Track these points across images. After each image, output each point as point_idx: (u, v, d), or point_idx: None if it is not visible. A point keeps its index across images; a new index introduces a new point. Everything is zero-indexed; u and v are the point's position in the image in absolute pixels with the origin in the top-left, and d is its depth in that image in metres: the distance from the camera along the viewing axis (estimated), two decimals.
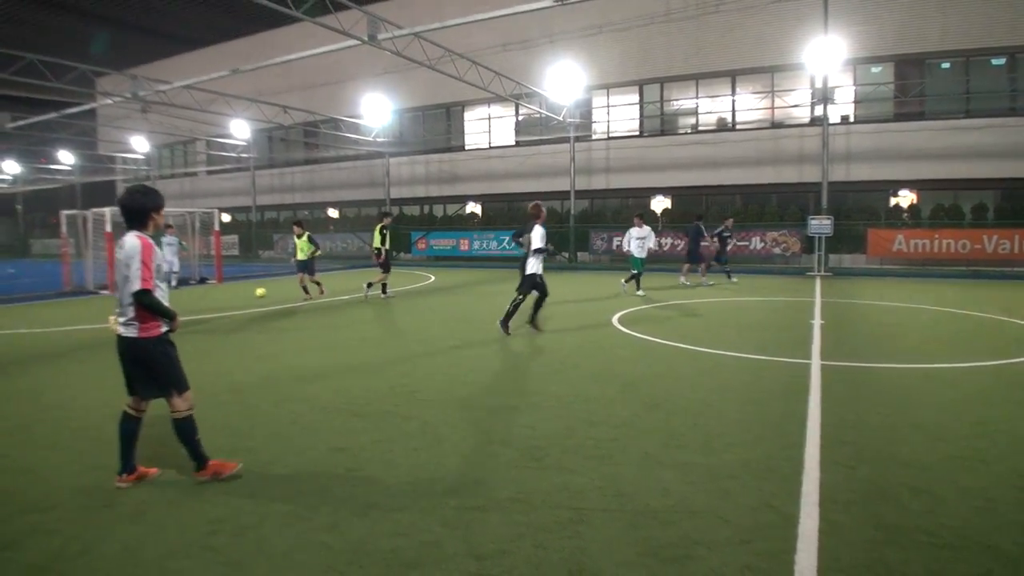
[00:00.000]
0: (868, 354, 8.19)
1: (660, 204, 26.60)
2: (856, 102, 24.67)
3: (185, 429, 4.21)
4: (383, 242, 14.65)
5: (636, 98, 27.85)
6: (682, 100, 27.55)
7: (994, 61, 23.16)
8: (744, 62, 25.05)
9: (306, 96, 32.85)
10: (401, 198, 33.04)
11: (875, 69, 24.41)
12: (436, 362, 7.97)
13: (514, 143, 30.29)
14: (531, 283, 9.59)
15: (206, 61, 34.09)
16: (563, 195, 27.46)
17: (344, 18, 16.99)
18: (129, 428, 4.22)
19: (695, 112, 27.28)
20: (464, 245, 27.76)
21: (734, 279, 17.86)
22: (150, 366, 4.10)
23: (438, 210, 32.92)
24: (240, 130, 30.76)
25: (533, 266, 9.55)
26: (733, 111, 26.44)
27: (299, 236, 15.14)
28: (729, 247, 18.48)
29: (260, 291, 14.65)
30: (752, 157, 25.15)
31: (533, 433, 5.10)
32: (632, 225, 15.68)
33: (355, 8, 17.13)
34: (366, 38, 17.75)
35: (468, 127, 31.76)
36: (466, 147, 31.56)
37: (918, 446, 4.84)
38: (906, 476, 4.26)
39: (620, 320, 11.03)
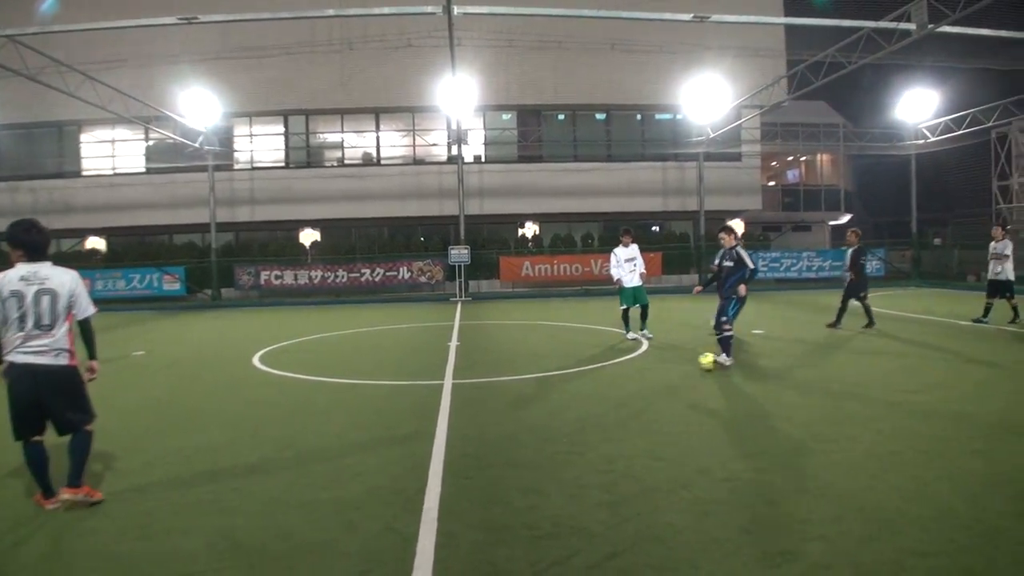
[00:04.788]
0: (495, 369, 8.96)
1: (309, 237, 26.20)
2: (487, 144, 27.40)
3: (88, 443, 4.36)
4: None
5: (281, 128, 27.20)
6: (328, 133, 27.68)
7: (598, 116, 27.76)
8: (387, 100, 26.10)
9: None
10: None
11: (505, 116, 27.43)
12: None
13: (144, 170, 27.29)
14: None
15: None
16: (203, 227, 25.46)
17: None
18: (40, 453, 4.26)
19: (341, 146, 27.62)
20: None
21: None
22: (76, 394, 4.33)
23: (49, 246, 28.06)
24: None
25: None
26: (378, 146, 27.36)
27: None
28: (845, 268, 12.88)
29: (707, 359, 8.51)
30: (397, 191, 26.23)
31: (140, 498, 4.46)
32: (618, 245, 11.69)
33: None
34: None
35: (86, 150, 27.75)
36: (84, 173, 27.53)
37: (530, 448, 5.36)
38: (517, 478, 4.67)
39: (261, 359, 10.47)
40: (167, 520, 4.08)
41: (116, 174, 27.20)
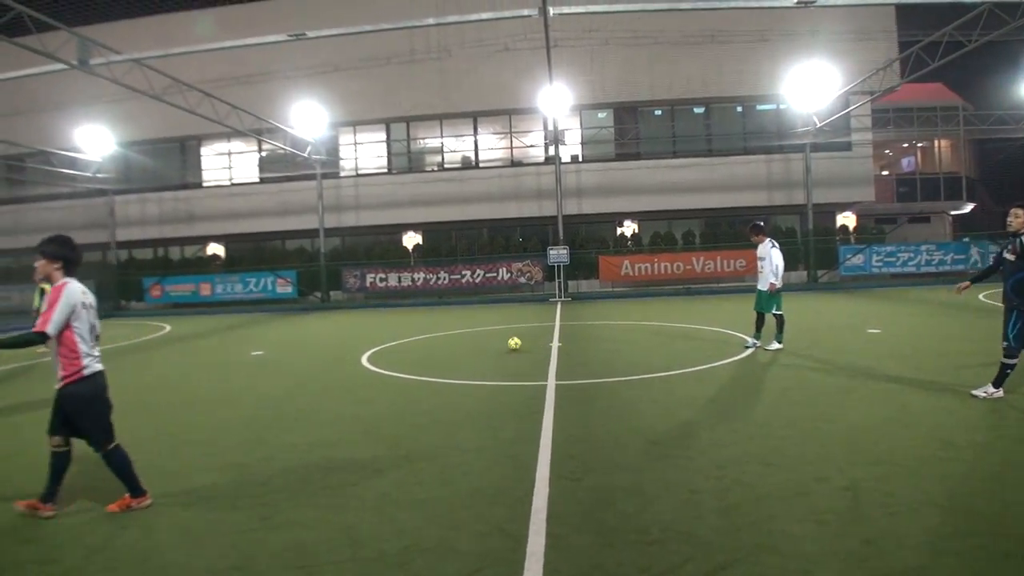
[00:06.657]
0: (598, 370, 8.89)
1: (411, 240, 26.94)
2: (583, 143, 27.29)
3: (124, 457, 4.47)
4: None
5: (383, 136, 28.10)
6: (428, 139, 28.36)
7: (696, 109, 27.11)
8: (484, 104, 26.47)
9: (6, 125, 28.35)
10: (130, 240, 29.78)
11: (601, 114, 27.24)
12: (154, 421, 7.03)
13: (258, 180, 28.89)
14: None
15: None
16: (312, 233, 26.70)
17: (50, 39, 15.04)
18: (66, 461, 4.40)
19: (441, 150, 28.24)
20: (205, 290, 25.66)
21: None
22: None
23: (174, 252, 30.19)
24: None
25: None
26: (476, 150, 27.78)
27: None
28: None
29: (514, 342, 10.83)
30: (496, 193, 26.55)
31: (263, 490, 4.73)
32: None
33: (63, 28, 15.25)
34: (76, 62, 15.91)
35: (206, 163, 29.70)
36: (204, 184, 29.45)
37: (636, 451, 5.29)
38: (624, 480, 4.62)
39: (369, 359, 10.86)
40: (288, 512, 4.29)
41: (233, 184, 28.94)
